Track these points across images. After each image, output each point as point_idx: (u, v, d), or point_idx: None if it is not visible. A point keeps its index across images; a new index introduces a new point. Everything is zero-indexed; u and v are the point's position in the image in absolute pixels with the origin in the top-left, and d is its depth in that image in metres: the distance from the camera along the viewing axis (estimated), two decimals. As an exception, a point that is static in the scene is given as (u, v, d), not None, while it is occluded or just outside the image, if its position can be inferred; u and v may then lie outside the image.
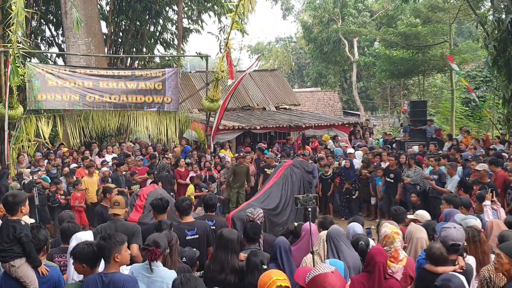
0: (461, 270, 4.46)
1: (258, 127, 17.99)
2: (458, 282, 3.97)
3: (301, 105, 25.78)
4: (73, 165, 13.50)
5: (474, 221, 5.52)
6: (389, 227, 5.08)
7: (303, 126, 19.00)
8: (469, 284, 4.51)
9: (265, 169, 13.04)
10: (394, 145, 17.60)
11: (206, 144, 16.52)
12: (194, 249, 5.49)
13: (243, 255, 5.18)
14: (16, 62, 13.38)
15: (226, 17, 15.90)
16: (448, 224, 4.79)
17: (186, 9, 22.80)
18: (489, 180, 9.25)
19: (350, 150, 14.95)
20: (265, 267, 4.55)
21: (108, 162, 14.00)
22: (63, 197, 12.06)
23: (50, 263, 4.93)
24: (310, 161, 13.44)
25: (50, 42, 22.65)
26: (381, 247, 4.91)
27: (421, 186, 11.62)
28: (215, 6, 22.41)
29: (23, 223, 4.82)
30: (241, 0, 14.26)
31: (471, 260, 4.89)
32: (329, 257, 4.96)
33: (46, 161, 13.98)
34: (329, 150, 15.96)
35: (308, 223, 5.95)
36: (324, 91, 38.61)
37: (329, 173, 13.39)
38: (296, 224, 6.32)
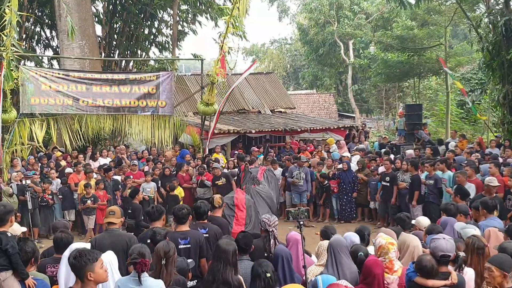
0: (452, 285, 4.39)
1: (253, 131, 17.92)
2: None
3: (296, 108, 25.72)
4: (68, 170, 13.42)
5: (474, 231, 5.45)
6: (383, 238, 5.04)
7: (299, 129, 18.95)
8: None
9: (216, 182, 12.54)
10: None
11: (201, 148, 16.44)
12: (190, 260, 5.43)
13: None
14: (11, 66, 13.29)
15: (223, 20, 15.77)
16: (437, 235, 4.71)
17: (179, 13, 22.71)
18: (496, 194, 8.82)
19: (345, 153, 14.98)
20: (268, 275, 4.54)
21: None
22: (50, 196, 12.15)
23: (39, 275, 4.83)
24: (305, 165, 13.49)
25: (45, 44, 22.58)
26: (377, 257, 4.87)
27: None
28: (209, 9, 22.35)
29: (9, 234, 4.73)
30: (236, 3, 14.22)
31: (469, 272, 4.81)
32: (328, 268, 4.93)
33: (39, 165, 13.91)
34: (331, 153, 15.93)
35: (293, 232, 5.94)
36: (319, 94, 38.67)
37: (325, 182, 13.37)
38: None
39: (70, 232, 5.71)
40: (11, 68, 13.54)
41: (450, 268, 4.59)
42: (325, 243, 5.41)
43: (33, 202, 11.60)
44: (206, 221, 6.56)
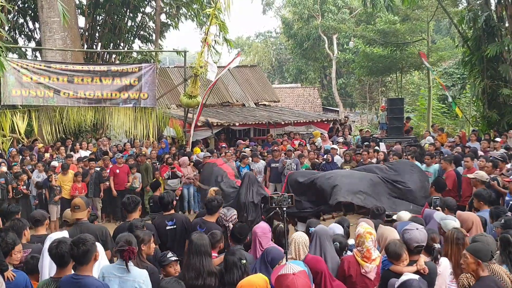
0: (424, 272, 4.47)
1: (237, 124, 17.94)
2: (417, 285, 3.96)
3: (281, 101, 25.79)
4: (54, 163, 13.23)
5: (454, 223, 5.51)
6: (363, 226, 5.08)
7: (283, 122, 19.01)
8: (432, 285, 4.54)
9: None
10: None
11: (184, 141, 16.41)
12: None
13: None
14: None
15: (206, 13, 15.67)
16: (409, 225, 4.80)
17: (163, 5, 22.52)
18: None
19: (333, 145, 15.07)
20: (244, 261, 4.47)
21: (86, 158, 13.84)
22: (24, 187, 11.98)
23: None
24: (293, 156, 13.58)
25: (28, 36, 22.28)
26: (320, 257, 4.92)
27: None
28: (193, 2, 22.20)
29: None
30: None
31: (444, 262, 4.87)
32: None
33: (20, 157, 13.75)
34: (316, 147, 15.98)
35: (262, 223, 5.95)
36: (304, 87, 38.79)
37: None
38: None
39: (22, 219, 5.55)
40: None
41: (424, 257, 4.69)
42: (297, 235, 5.36)
43: (1, 193, 11.36)
44: (173, 211, 6.63)
